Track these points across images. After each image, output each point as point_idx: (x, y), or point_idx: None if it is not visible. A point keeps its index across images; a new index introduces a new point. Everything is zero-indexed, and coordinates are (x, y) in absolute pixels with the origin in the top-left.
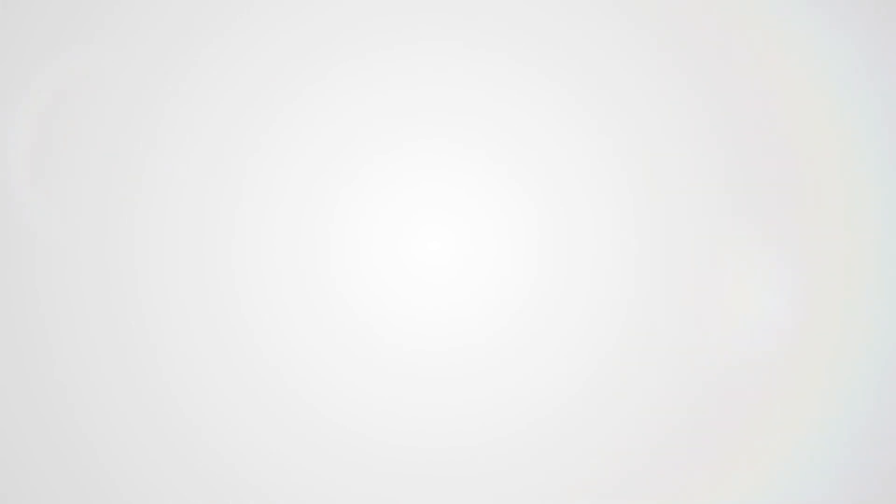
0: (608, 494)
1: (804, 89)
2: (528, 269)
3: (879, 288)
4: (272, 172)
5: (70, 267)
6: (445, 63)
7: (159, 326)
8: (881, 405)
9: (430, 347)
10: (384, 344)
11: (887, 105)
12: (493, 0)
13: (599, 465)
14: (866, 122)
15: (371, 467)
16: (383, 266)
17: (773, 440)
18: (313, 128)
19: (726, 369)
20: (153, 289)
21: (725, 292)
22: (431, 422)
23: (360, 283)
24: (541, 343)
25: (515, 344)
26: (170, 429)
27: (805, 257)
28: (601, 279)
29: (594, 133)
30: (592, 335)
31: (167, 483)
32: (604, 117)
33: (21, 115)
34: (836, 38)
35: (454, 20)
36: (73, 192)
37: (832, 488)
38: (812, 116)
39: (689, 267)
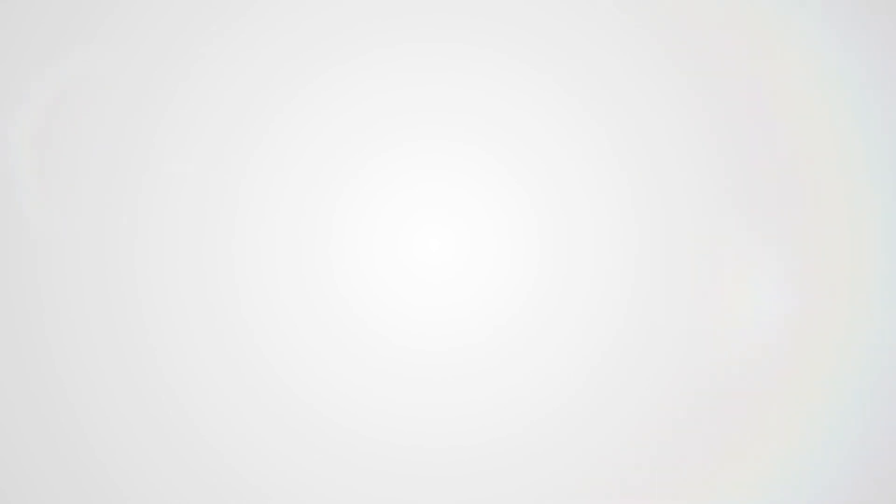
0: (608, 494)
1: (805, 89)
2: (529, 268)
3: (879, 287)
4: (272, 172)
5: (70, 267)
6: (445, 63)
7: (159, 326)
8: (880, 406)
9: (430, 347)
10: (384, 343)
11: (887, 105)
12: (493, 0)
13: (599, 465)
14: (866, 122)
15: (371, 467)
16: (383, 265)
17: (772, 440)
18: (313, 127)
19: (726, 369)
20: (153, 288)
21: (725, 292)
22: (431, 421)
23: (360, 283)
24: (541, 342)
25: (516, 343)
26: (170, 429)
27: (804, 257)
28: (601, 278)
29: (594, 133)
30: (592, 335)
31: (167, 483)
32: (604, 117)
33: (22, 115)
34: (837, 39)
35: (454, 20)
36: (73, 191)
37: (830, 489)
38: (812, 116)
39: (689, 266)
